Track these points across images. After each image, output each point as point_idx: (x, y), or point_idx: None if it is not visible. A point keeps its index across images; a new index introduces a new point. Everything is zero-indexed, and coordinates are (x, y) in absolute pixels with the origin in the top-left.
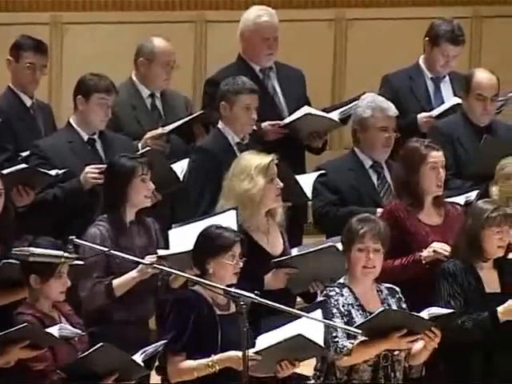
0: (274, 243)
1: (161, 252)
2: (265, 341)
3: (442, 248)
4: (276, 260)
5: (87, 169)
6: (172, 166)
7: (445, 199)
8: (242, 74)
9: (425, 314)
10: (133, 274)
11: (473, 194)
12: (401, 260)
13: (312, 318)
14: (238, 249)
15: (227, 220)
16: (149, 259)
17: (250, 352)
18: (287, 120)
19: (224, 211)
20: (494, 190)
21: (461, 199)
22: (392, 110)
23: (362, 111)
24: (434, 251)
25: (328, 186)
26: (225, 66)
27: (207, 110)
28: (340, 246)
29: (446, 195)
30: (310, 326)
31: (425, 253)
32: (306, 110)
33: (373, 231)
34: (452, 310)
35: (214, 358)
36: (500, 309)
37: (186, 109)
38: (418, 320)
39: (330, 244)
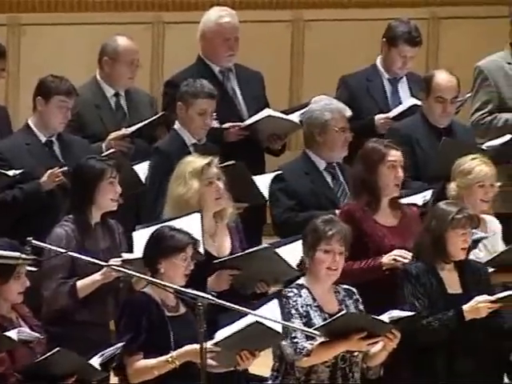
0: (221, 245)
1: (125, 255)
2: (223, 334)
3: (402, 256)
4: (216, 261)
5: (50, 172)
6: (134, 167)
7: (401, 200)
8: (201, 75)
9: (385, 317)
10: (97, 276)
11: (428, 194)
12: (360, 263)
13: (271, 320)
14: (191, 251)
15: (191, 222)
16: (113, 262)
17: (209, 344)
18: (248, 122)
19: (188, 214)
20: (452, 186)
21: (418, 199)
22: (347, 110)
23: (321, 114)
24: (395, 259)
25: (286, 191)
26: (184, 67)
27: (168, 111)
28: (291, 247)
29: (402, 194)
30: (267, 315)
31: (385, 259)
32: (267, 112)
33: (340, 234)
34: (413, 313)
35: (173, 353)
36: (465, 307)
37: (152, 107)
38: (378, 323)
39: (266, 245)
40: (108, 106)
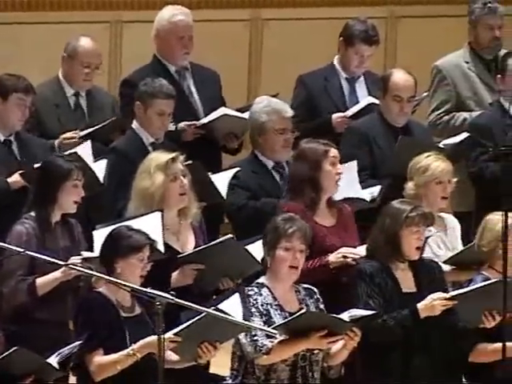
0: (185, 242)
1: (85, 254)
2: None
3: (350, 253)
4: (180, 256)
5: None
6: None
7: (347, 196)
8: (157, 74)
9: (345, 315)
10: (56, 274)
11: (376, 190)
12: (307, 264)
13: (231, 320)
14: (148, 252)
15: (152, 221)
16: (73, 261)
17: (170, 334)
18: (204, 120)
19: (149, 213)
20: (410, 185)
21: (365, 195)
22: (287, 110)
23: (259, 116)
24: (344, 256)
25: (240, 186)
26: (140, 66)
27: (124, 111)
28: (252, 247)
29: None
30: (229, 309)
31: (332, 258)
32: (223, 110)
33: (301, 231)
34: (373, 312)
35: (134, 346)
36: (420, 305)
37: (113, 109)
38: (338, 321)
39: (229, 236)
40: (67, 106)
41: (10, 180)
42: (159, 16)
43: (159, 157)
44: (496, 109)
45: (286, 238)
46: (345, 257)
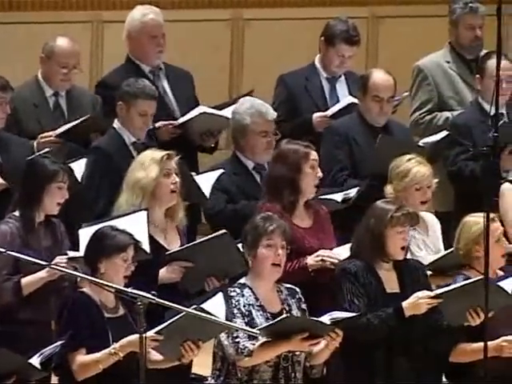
0: (171, 240)
1: (71, 254)
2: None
3: (329, 256)
4: (170, 252)
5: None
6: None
7: (319, 196)
8: (131, 75)
9: (326, 318)
10: (41, 274)
11: (352, 191)
12: (285, 266)
13: (214, 320)
14: (132, 252)
15: (137, 221)
16: (59, 260)
17: (151, 332)
18: (182, 119)
19: (134, 212)
20: (389, 189)
21: (338, 196)
22: (270, 113)
23: (241, 118)
24: (322, 260)
25: (219, 189)
26: (115, 67)
27: (101, 112)
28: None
29: (324, 192)
30: (212, 308)
31: (310, 260)
32: (201, 109)
33: (280, 228)
34: (354, 314)
35: (116, 345)
36: (405, 304)
37: (94, 108)
38: (319, 324)
39: (223, 231)
40: (46, 106)
41: None
42: (130, 16)
43: (155, 152)
44: (475, 108)
45: (267, 235)
46: (323, 260)
